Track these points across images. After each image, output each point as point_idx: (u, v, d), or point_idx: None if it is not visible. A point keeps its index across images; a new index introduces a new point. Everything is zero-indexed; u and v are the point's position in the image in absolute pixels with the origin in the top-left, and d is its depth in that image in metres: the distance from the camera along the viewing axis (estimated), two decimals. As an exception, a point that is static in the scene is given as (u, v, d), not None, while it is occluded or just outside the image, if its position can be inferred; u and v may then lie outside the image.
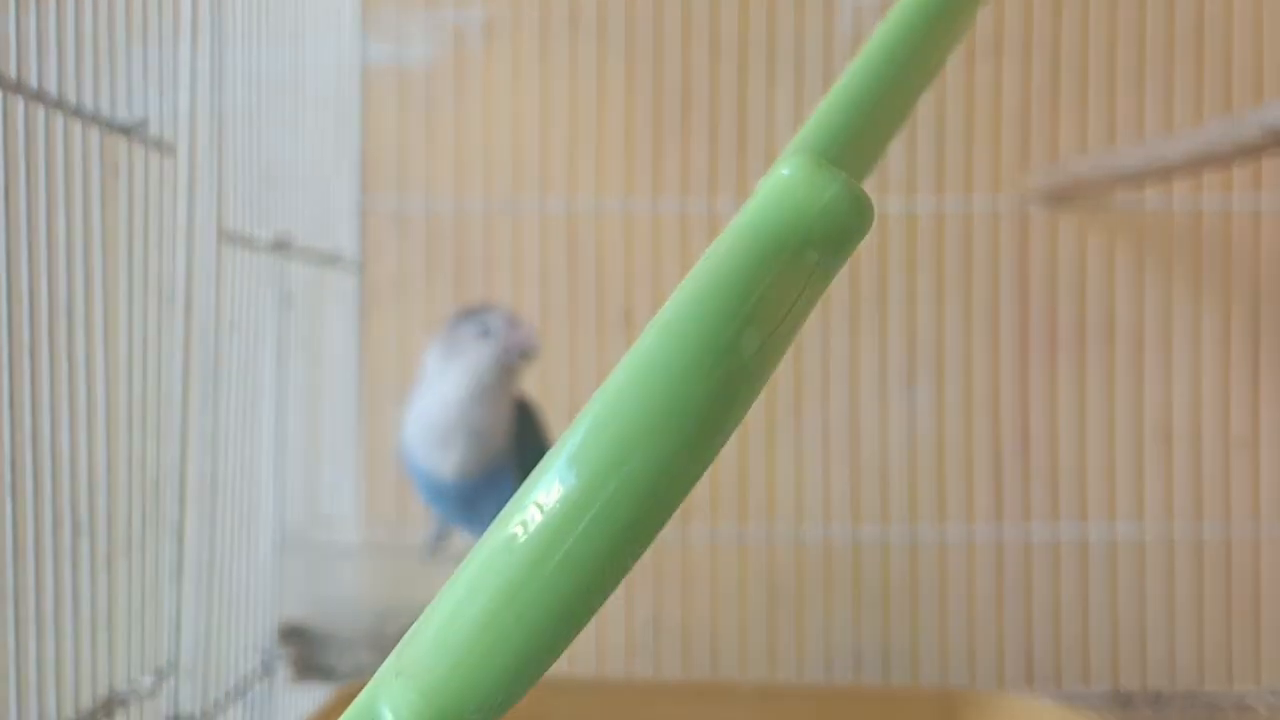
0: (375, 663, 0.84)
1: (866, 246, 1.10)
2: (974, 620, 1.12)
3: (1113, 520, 1.11)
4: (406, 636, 0.26)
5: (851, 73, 0.36)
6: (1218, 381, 1.11)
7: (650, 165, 1.13)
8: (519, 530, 0.24)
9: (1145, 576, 1.10)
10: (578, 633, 0.25)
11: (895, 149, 1.11)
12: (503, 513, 0.25)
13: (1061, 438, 1.11)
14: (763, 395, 0.26)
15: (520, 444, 0.88)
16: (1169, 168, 0.90)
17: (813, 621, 1.12)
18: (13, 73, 0.56)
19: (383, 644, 0.86)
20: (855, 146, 0.33)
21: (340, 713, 0.27)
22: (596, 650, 1.14)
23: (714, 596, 1.13)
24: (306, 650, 0.88)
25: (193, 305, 0.73)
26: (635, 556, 0.25)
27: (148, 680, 0.70)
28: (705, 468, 0.26)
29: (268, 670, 0.89)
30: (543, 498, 0.24)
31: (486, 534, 0.25)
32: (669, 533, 1.09)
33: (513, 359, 0.87)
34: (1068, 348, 1.12)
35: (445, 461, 0.86)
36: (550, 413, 0.99)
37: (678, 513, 0.27)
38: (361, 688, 0.27)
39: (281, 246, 0.89)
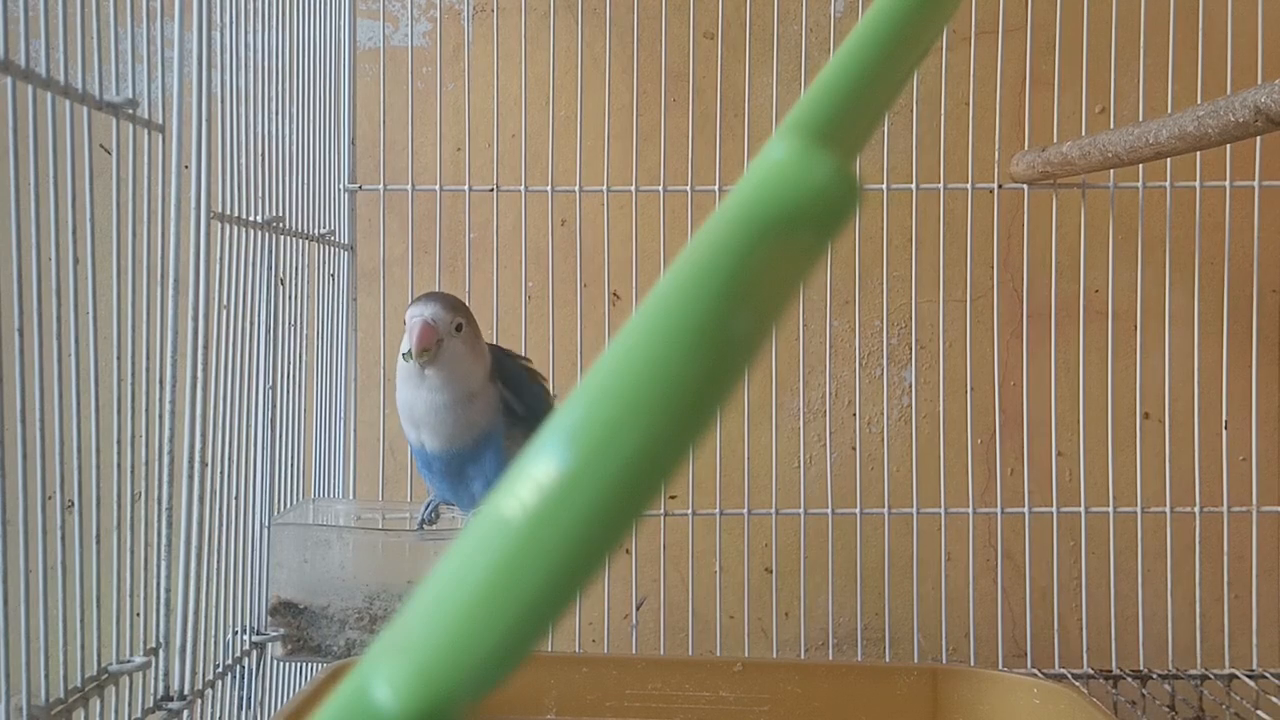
0: (365, 640, 0.84)
1: (857, 225, 1.11)
2: (964, 598, 1.12)
3: (1104, 500, 1.11)
4: (400, 613, 0.27)
5: (842, 53, 0.36)
6: (1211, 360, 1.12)
7: (639, 147, 1.13)
8: (512, 508, 0.24)
9: (1137, 555, 1.10)
10: (569, 609, 0.26)
11: (887, 128, 1.11)
12: (496, 491, 0.25)
13: (1053, 417, 1.11)
14: (751, 374, 0.26)
15: (507, 413, 0.88)
16: (1161, 148, 0.90)
17: (801, 598, 1.13)
18: (2, 51, 0.55)
19: (373, 622, 0.86)
20: (846, 126, 0.33)
21: (331, 690, 0.27)
22: (586, 626, 1.15)
23: (702, 574, 1.14)
24: (297, 628, 0.88)
25: (183, 284, 0.73)
26: (625, 534, 0.25)
27: (138, 658, 0.70)
28: (695, 446, 0.26)
29: (258, 648, 0.89)
30: (536, 476, 0.24)
31: (480, 512, 0.26)
32: (658, 510, 1.10)
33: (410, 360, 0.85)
34: (1060, 327, 1.12)
35: (420, 436, 0.87)
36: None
37: (667, 491, 0.27)
38: (353, 665, 0.28)
39: (272, 226, 0.89)
